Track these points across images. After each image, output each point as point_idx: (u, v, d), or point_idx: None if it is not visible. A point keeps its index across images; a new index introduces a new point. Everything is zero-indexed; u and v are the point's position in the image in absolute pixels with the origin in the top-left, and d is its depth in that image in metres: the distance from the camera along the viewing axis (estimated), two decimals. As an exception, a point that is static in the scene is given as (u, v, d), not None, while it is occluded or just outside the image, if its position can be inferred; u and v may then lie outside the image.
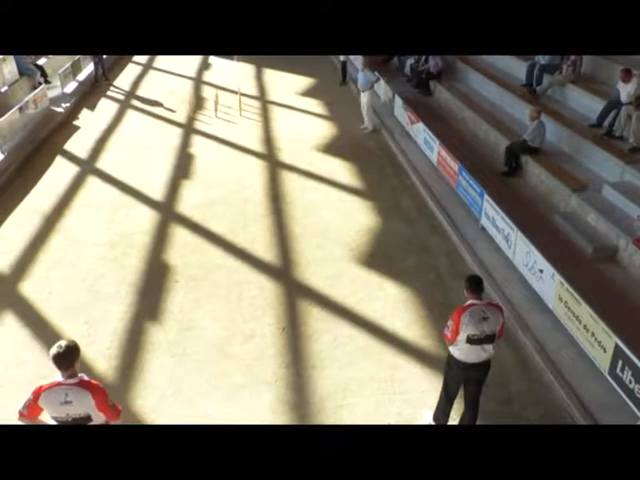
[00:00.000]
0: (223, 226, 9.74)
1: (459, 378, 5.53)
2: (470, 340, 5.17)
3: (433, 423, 5.85)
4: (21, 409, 4.15)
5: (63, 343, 4.09)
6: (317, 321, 7.47)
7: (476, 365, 5.34)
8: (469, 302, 5.27)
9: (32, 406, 4.11)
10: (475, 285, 5.28)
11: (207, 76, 19.17)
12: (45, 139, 13.54)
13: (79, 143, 13.40)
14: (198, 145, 13.33)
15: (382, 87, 15.40)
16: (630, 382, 5.66)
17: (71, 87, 17.04)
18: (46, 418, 4.21)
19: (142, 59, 21.27)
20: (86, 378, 4.17)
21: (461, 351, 5.29)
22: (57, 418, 4.13)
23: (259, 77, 19.02)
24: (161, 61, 20.98)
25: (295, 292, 8.06)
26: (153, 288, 8.12)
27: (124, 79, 18.73)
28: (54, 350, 4.05)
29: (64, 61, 17.91)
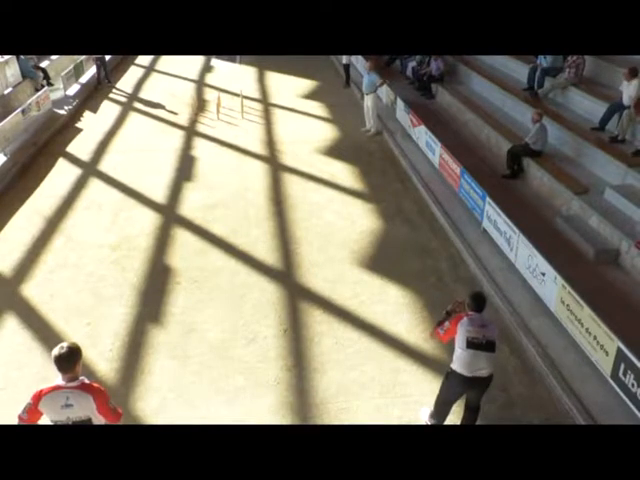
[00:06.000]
0: (225, 228, 9.74)
1: (458, 392, 5.53)
2: (470, 344, 5.15)
3: (429, 422, 5.85)
4: (21, 414, 4.12)
5: (65, 345, 4.09)
6: (319, 324, 7.46)
7: (477, 379, 5.31)
8: (468, 313, 5.36)
9: (32, 411, 4.09)
10: (480, 303, 5.35)
11: (209, 79, 19.20)
12: (47, 141, 13.59)
13: (81, 145, 13.44)
14: (200, 147, 13.35)
15: (384, 90, 15.41)
16: (633, 386, 5.64)
17: (74, 89, 17.12)
18: (45, 422, 4.19)
19: (144, 61, 21.34)
20: (87, 381, 4.16)
21: (461, 360, 5.26)
22: (57, 422, 4.12)
23: (261, 80, 19.04)
24: (163, 63, 21.03)
25: (297, 295, 8.05)
26: (155, 290, 8.12)
27: (126, 81, 18.78)
28: (56, 351, 4.04)
29: (67, 63, 17.97)
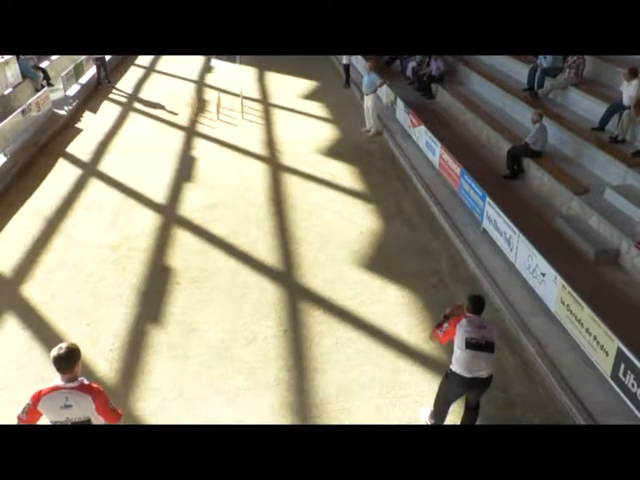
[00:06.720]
0: (225, 228, 9.74)
1: (458, 393, 5.54)
2: (469, 344, 5.16)
3: (429, 422, 5.86)
4: (20, 414, 4.12)
5: (64, 345, 4.09)
6: (319, 324, 7.46)
7: (477, 380, 5.30)
8: (467, 315, 5.37)
9: (31, 411, 4.09)
10: (478, 306, 5.36)
11: (209, 79, 19.21)
12: (47, 142, 13.59)
13: (81, 146, 13.44)
14: (200, 148, 13.35)
15: (384, 90, 15.41)
16: (633, 386, 5.64)
17: (74, 90, 17.12)
18: (45, 423, 4.18)
19: (144, 62, 21.34)
20: (86, 382, 4.16)
21: (460, 361, 5.26)
22: (57, 422, 4.11)
23: (261, 80, 19.04)
24: (163, 64, 21.04)
25: (297, 295, 8.05)
26: (155, 290, 8.12)
27: (126, 82, 18.78)
28: (54, 352, 4.04)
29: (67, 64, 17.98)
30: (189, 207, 10.53)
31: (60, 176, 11.87)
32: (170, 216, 10.23)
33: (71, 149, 13.27)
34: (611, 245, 8.26)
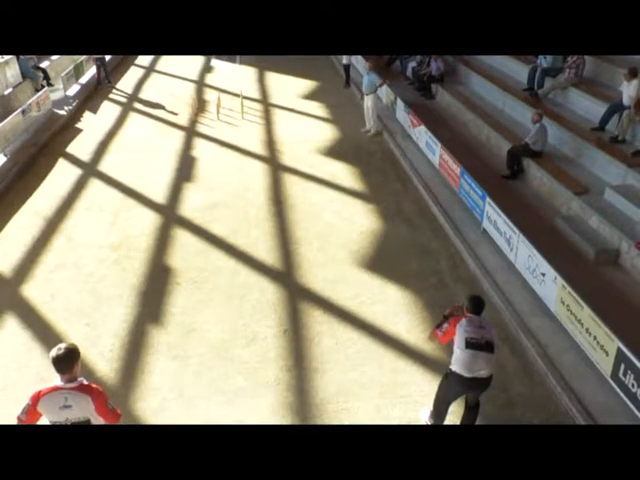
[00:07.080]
0: (225, 229, 9.74)
1: (457, 392, 5.54)
2: (469, 344, 5.16)
3: (429, 422, 5.86)
4: (20, 415, 4.12)
5: (63, 346, 4.08)
6: (319, 324, 7.46)
7: (477, 380, 5.30)
8: (467, 315, 5.39)
9: (31, 411, 4.08)
10: (478, 306, 5.38)
11: (209, 79, 19.21)
12: (47, 142, 13.59)
13: (81, 146, 13.44)
14: (200, 148, 13.35)
15: (384, 90, 15.41)
16: (633, 386, 5.64)
17: (74, 90, 17.12)
18: (44, 423, 4.18)
19: (144, 62, 21.34)
20: (85, 382, 4.15)
21: (460, 361, 5.26)
22: (56, 423, 4.11)
23: (261, 80, 19.04)
24: (163, 64, 21.04)
25: (297, 295, 8.05)
26: (155, 290, 8.12)
27: (126, 82, 18.78)
28: (54, 353, 4.03)
29: (67, 64, 17.98)
30: (189, 207, 10.53)
31: (60, 176, 11.87)
32: (170, 216, 10.23)
33: (71, 149, 13.27)
34: (611, 245, 8.26)
